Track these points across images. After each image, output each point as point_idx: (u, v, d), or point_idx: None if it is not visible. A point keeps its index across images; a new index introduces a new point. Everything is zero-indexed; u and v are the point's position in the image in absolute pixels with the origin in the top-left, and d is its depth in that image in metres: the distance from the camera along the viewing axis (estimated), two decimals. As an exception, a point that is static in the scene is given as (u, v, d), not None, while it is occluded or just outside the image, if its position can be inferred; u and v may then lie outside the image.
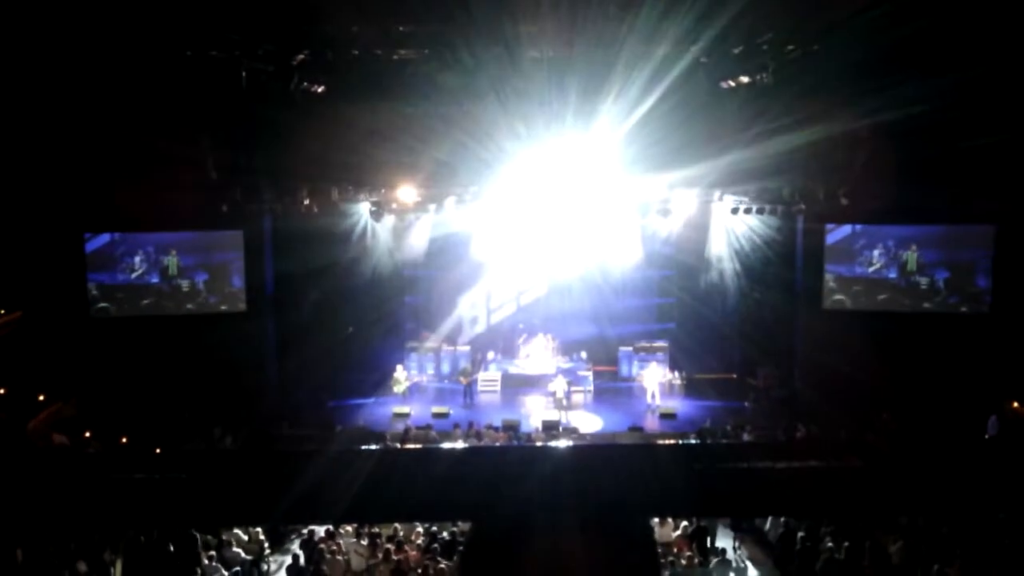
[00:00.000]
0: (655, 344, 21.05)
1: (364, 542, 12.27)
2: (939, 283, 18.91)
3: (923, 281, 18.98)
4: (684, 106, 17.54)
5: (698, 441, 16.05)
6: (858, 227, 19.14)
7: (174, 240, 19.12)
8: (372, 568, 11.82)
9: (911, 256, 18.93)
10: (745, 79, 15.99)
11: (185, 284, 19.21)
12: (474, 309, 22.04)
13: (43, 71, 14.60)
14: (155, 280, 19.21)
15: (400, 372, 19.67)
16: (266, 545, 12.75)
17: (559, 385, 18.75)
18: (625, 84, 17.00)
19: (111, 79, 15.25)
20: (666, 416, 18.48)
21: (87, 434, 15.92)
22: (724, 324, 21.10)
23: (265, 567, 12.60)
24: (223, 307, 19.19)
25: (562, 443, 15.52)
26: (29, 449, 15.02)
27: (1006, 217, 17.82)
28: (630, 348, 21.15)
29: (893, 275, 19.10)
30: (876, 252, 19.14)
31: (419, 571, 11.17)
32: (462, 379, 19.59)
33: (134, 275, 19.16)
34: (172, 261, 19.16)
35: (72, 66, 14.68)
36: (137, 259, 19.16)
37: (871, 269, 19.10)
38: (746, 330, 20.76)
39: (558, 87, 17.11)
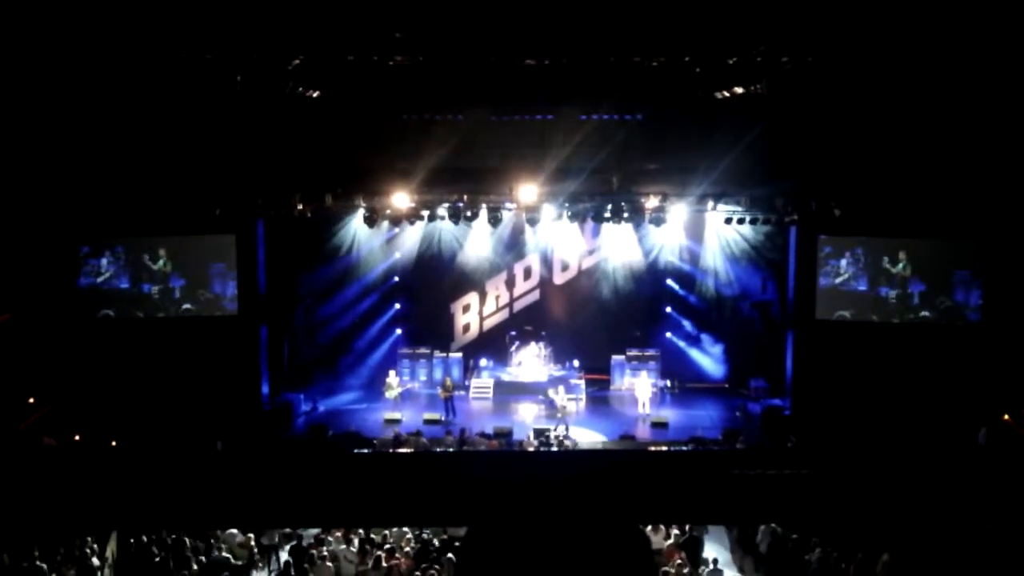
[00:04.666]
0: (647, 353, 21.04)
1: (354, 548, 12.23)
2: (913, 297, 18.46)
3: (893, 294, 18.52)
4: (678, 115, 17.68)
5: (690, 448, 16.06)
6: (822, 236, 18.49)
7: (164, 243, 18.84)
8: (362, 575, 11.77)
9: (900, 266, 18.46)
10: (739, 89, 16.08)
11: (169, 288, 18.74)
12: (466, 316, 22.02)
13: (35, 74, 14.57)
14: (124, 285, 18.68)
15: (392, 378, 19.59)
16: (256, 550, 12.68)
17: (560, 398, 18.56)
18: (618, 91, 17.09)
19: (105, 82, 15.24)
20: (658, 425, 18.48)
21: (76, 437, 15.85)
22: (717, 333, 21.13)
23: (254, 572, 12.54)
24: (212, 311, 18.96)
25: (555, 449, 15.51)
26: (18, 451, 14.93)
27: (992, 231, 17.85)
28: (622, 357, 21.15)
29: (863, 287, 18.67)
30: (843, 262, 18.70)
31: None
32: (442, 393, 19.13)
33: (100, 279, 18.70)
34: (160, 264, 18.86)
35: (65, 70, 14.66)
36: (104, 261, 18.72)
37: (838, 280, 18.75)
38: (738, 339, 20.81)
39: (552, 95, 17.22)
